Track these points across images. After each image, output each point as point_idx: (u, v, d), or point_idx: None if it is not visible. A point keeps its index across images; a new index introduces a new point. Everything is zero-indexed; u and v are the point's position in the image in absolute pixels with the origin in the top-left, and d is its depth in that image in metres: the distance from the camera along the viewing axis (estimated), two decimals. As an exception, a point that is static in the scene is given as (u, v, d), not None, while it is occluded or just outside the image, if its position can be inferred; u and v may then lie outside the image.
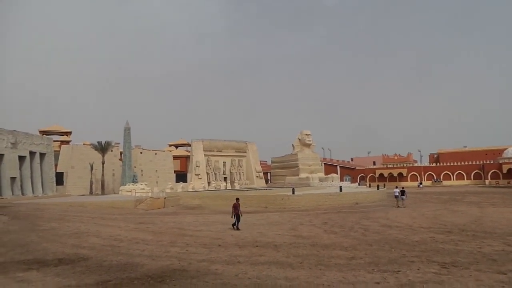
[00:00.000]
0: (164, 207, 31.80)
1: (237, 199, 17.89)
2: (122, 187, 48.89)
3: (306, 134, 60.81)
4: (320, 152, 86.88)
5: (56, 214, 25.57)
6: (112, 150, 58.17)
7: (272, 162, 69.51)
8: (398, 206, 26.96)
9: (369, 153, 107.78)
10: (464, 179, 75.93)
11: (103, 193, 52.11)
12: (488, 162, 74.97)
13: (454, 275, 8.14)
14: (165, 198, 33.59)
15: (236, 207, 16.94)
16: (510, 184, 65.14)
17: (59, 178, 53.85)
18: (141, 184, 47.88)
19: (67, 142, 68.80)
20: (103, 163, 53.37)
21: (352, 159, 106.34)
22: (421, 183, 67.08)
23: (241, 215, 17.28)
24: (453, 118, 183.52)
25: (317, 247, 11.99)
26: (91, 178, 54.77)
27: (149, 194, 38.26)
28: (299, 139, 61.53)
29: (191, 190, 47.08)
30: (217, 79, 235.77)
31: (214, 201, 32.90)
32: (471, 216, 19.90)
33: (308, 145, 60.93)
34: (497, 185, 67.03)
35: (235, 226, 16.73)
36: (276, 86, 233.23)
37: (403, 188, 29.47)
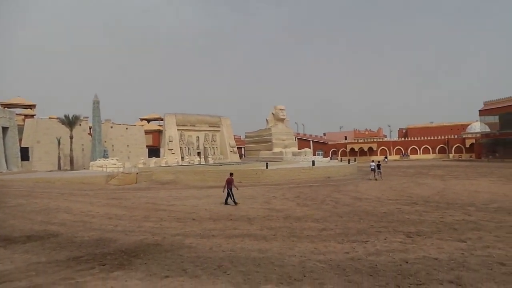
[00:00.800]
0: (136, 183, 31.38)
1: (231, 174, 17.38)
2: (92, 162, 47.63)
3: (280, 109, 60.96)
4: (293, 127, 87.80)
5: (22, 191, 24.71)
6: (80, 125, 56.17)
7: (246, 137, 69.62)
8: (376, 179, 28.24)
9: (341, 128, 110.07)
10: (430, 153, 79.32)
11: (72, 168, 50.64)
12: (452, 137, 78.46)
13: (418, 243, 8.61)
14: (137, 173, 33.09)
15: (229, 182, 16.57)
16: (472, 158, 68.72)
17: (24, 154, 51.68)
18: (112, 159, 46.83)
19: (31, 116, 65.77)
20: (71, 138, 51.56)
21: (324, 134, 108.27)
22: (386, 158, 69.07)
23: (237, 189, 17.16)
24: (424, 94, 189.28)
25: (289, 219, 12.29)
26: (59, 153, 52.93)
27: (121, 170, 37.56)
28: (273, 113, 61.64)
29: (164, 165, 46.58)
30: (190, 51, 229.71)
31: (188, 176, 32.78)
32: (435, 188, 20.92)
33: (282, 120, 61.24)
34: (460, 159, 70.61)
35: (230, 200, 16.39)
36: (250, 60, 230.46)
37: (379, 162, 30.97)
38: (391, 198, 17.18)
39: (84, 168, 51.88)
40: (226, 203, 16.42)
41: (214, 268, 7.13)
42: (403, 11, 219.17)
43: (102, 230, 11.39)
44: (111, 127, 62.19)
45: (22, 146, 52.43)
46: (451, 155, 75.90)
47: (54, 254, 8.60)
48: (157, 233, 10.68)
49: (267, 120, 62.58)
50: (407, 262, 7.15)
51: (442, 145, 79.05)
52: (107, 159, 47.87)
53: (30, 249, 9.10)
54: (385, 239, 9.15)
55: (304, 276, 6.52)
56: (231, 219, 12.64)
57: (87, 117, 58.76)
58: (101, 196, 21.48)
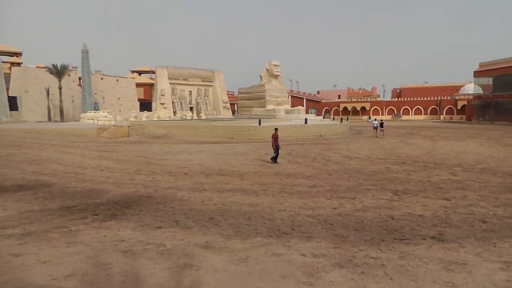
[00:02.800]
0: (128, 136, 31.23)
1: (276, 129, 16.11)
2: (83, 114, 47.00)
3: (275, 65, 59.64)
4: (287, 84, 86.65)
5: (12, 141, 24.51)
6: (69, 75, 54.67)
7: (239, 93, 68.68)
8: (376, 136, 29.82)
9: (335, 86, 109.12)
10: (422, 114, 79.76)
11: (62, 120, 49.99)
12: (444, 98, 78.59)
13: (404, 201, 8.87)
14: (129, 126, 32.81)
15: (276, 138, 15.43)
16: (463, 119, 69.41)
17: (13, 103, 50.60)
18: (104, 112, 46.20)
19: (18, 64, 63.54)
20: (60, 88, 50.33)
21: (318, 92, 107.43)
22: (369, 118, 68.58)
23: (280, 148, 15.78)
24: (420, 55, 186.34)
25: (280, 176, 12.48)
26: (48, 104, 51.93)
27: (112, 122, 37.20)
28: (267, 69, 60.38)
29: (156, 119, 46.21)
30: (184, 3, 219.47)
31: (180, 131, 32.66)
32: (424, 148, 21.25)
33: (276, 77, 60.16)
34: (451, 120, 71.30)
35: (274, 160, 15.44)
36: (246, 16, 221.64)
37: (382, 120, 32.84)
38: (381, 157, 17.45)
39: (75, 120, 51.29)
40: (275, 161, 15.36)
41: (205, 220, 7.30)
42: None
43: (94, 181, 11.47)
44: (101, 78, 60.68)
45: (9, 95, 51.18)
46: (442, 116, 76.52)
47: (46, 203, 8.69)
48: (149, 185, 10.80)
49: (261, 76, 61.44)
50: (392, 218, 7.39)
51: (434, 106, 79.36)
52: (98, 111, 47.23)
53: (23, 198, 9.17)
54: (372, 196, 9.40)
55: (293, 229, 6.73)
56: (222, 174, 12.79)
57: (76, 67, 57.06)
58: (92, 149, 21.43)
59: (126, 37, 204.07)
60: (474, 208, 8.11)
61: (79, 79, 56.42)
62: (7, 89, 51.63)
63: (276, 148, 15.34)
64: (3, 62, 55.58)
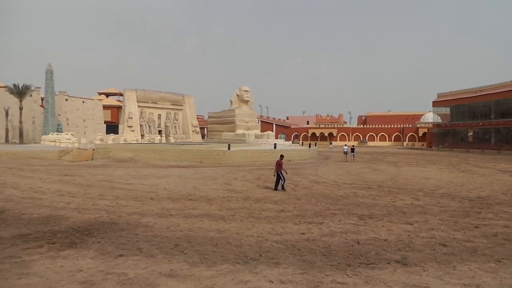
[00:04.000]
0: (92, 159, 30.15)
1: (282, 156, 15.64)
2: (44, 136, 45.03)
3: (245, 91, 60.57)
4: (257, 109, 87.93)
5: (-36, 164, 22.94)
6: (31, 95, 52.59)
7: (209, 117, 68.76)
8: (347, 161, 32.38)
9: (304, 112, 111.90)
10: (386, 141, 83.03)
11: (21, 142, 47.55)
12: (407, 126, 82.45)
13: (370, 225, 9.04)
14: (93, 149, 31.74)
15: (280, 164, 14.87)
16: (424, 146, 72.78)
17: (-33, 124, 47.75)
18: (67, 134, 44.56)
19: (-24, 83, 60.46)
20: (21, 109, 48.17)
21: (287, 118, 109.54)
22: (331, 143, 70.47)
23: (286, 173, 15.30)
24: (384, 84, 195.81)
25: (249, 200, 12.41)
26: (7, 125, 49.39)
27: (76, 145, 35.87)
28: (237, 95, 61.15)
29: (123, 142, 45.09)
30: (154, 27, 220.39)
31: (148, 154, 31.97)
32: (388, 174, 21.98)
33: (246, 102, 60.97)
34: (413, 147, 74.61)
35: (280, 186, 14.73)
36: (217, 40, 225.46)
37: (353, 146, 37.34)
38: (348, 182, 17.83)
39: (35, 142, 48.99)
40: (276, 188, 14.76)
41: (170, 248, 7.06)
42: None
43: (53, 207, 10.88)
44: (66, 99, 58.81)
45: (-36, 116, 48.33)
46: (405, 143, 79.96)
47: (-2, 231, 8.10)
48: (113, 211, 10.38)
49: (231, 101, 62.03)
50: (358, 243, 7.49)
51: (397, 133, 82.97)
52: (61, 133, 45.47)
53: (-29, 226, 8.51)
54: (339, 221, 9.51)
55: (260, 255, 6.64)
56: (190, 199, 12.54)
57: (39, 88, 55.08)
58: (53, 172, 20.45)
59: (94, 59, 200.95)
60: (435, 232, 8.39)
61: (42, 99, 54.37)
62: (-38, 108, 48.82)
63: (279, 175, 14.68)
64: (-41, 80, 52.75)
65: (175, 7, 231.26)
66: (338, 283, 5.38)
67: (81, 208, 10.82)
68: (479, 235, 8.15)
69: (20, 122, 48.36)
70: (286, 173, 15.39)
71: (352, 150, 33.98)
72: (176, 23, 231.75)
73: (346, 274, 5.74)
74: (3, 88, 50.95)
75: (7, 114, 49.17)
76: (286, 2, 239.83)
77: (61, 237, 7.73)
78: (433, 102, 70.14)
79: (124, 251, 6.81)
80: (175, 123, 60.62)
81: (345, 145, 39.37)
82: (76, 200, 12.01)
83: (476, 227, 8.93)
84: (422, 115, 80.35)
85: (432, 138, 70.85)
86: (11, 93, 48.36)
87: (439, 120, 71.45)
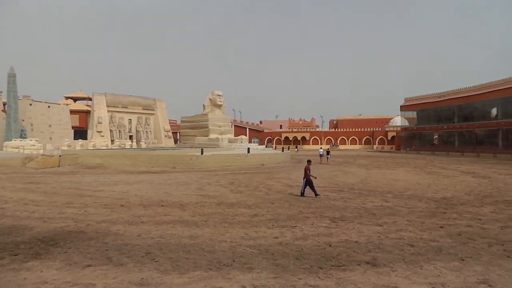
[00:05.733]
0: (59, 166, 29.01)
1: (309, 161, 15.14)
2: (6, 142, 42.90)
3: (218, 95, 60.39)
4: (230, 113, 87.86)
5: None
6: (-8, 100, 50.05)
7: (182, 121, 67.97)
8: (321, 163, 34.07)
9: (277, 117, 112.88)
10: (357, 144, 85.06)
11: (-19, 148, 45.11)
12: (376, 129, 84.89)
13: (341, 228, 9.21)
14: (60, 156, 30.55)
15: (308, 170, 14.26)
16: (393, 149, 75.14)
17: None
18: (31, 140, 42.66)
19: None
20: (-19, 114, 45.75)
21: (261, 122, 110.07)
22: (297, 147, 71.21)
23: (315, 178, 14.73)
24: (355, 88, 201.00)
25: (222, 206, 12.34)
26: (-34, 131, 46.74)
27: (41, 151, 34.42)
28: (210, 99, 60.86)
29: (92, 148, 43.72)
30: (126, 28, 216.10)
31: (118, 160, 31.14)
32: (359, 176, 22.51)
33: (219, 106, 60.80)
34: (383, 150, 76.85)
35: (304, 191, 14.17)
36: (190, 43, 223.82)
37: (328, 149, 41.53)
38: (320, 185, 18.06)
39: (-3, 149, 46.61)
40: (303, 194, 14.19)
41: (141, 256, 6.90)
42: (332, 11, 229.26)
43: (16, 217, 10.37)
44: (30, 104, 56.31)
45: None
46: (375, 146, 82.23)
47: (-46, 244, 7.62)
48: (81, 220, 10.02)
49: (204, 106, 61.64)
50: (330, 246, 7.60)
51: (367, 137, 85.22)
52: (25, 139, 43.50)
53: None
54: (312, 224, 9.63)
55: (234, 261, 6.61)
56: (162, 205, 12.32)
57: (1, 92, 52.51)
58: (16, 180, 19.51)
59: (60, 62, 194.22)
60: (404, 233, 8.66)
61: (4, 104, 51.84)
62: None
63: (307, 181, 14.13)
64: None
65: (150, 7, 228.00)
66: (311, 286, 5.44)
67: (46, 217, 10.38)
68: (444, 235, 8.49)
69: (-20, 127, 45.88)
70: (315, 177, 14.94)
71: (328, 153, 36.68)
72: (148, 24, 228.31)
73: (318, 277, 5.81)
74: (-39, 92, 48.20)
75: (-35, 119, 46.53)
76: (260, 4, 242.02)
77: (25, 248, 7.37)
78: (400, 106, 72.69)
79: (93, 261, 6.58)
80: (146, 128, 59.54)
81: (321, 148, 42.83)
82: (41, 209, 11.51)
83: (442, 227, 9.29)
84: (391, 119, 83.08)
85: (400, 141, 73.35)
86: (-30, 97, 45.85)
87: (406, 123, 74.12)
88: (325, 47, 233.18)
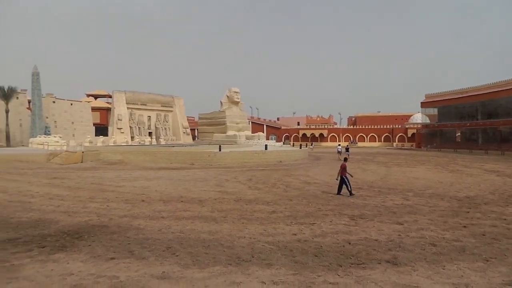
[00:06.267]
0: (81, 162, 29.79)
1: (346, 159, 15.19)
2: (32, 139, 44.36)
3: (235, 92, 60.54)
4: (248, 110, 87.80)
5: (-51, 167, 22.46)
6: (18, 98, 51.78)
7: (200, 118, 68.56)
8: (340, 159, 32.90)
9: (294, 113, 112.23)
10: (376, 141, 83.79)
11: (8, 145, 46.75)
12: (396, 126, 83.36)
13: (361, 226, 9.13)
14: (83, 152, 31.37)
15: (344, 168, 13.97)
16: (413, 147, 73.65)
17: (-48, 127, 46.79)
18: (55, 137, 43.94)
19: (-40, 85, 59.27)
20: (7, 112, 47.37)
21: (278, 119, 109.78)
22: (312, 144, 71.20)
23: (352, 176, 14.36)
24: (374, 85, 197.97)
25: (240, 202, 12.42)
26: (-7, 127, 48.56)
27: (65, 148, 35.41)
28: (227, 96, 61.09)
29: (113, 144, 44.64)
30: (143, 27, 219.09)
31: (138, 156, 31.72)
32: (378, 174, 22.20)
33: (236, 103, 60.96)
34: (403, 147, 75.42)
35: (348, 191, 13.74)
36: (207, 41, 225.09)
37: (347, 145, 41.94)
38: (338, 182, 17.91)
39: (23, 145, 48.23)
40: (339, 193, 14.02)
41: (162, 250, 7.04)
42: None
43: (42, 211, 10.74)
44: (54, 102, 58.04)
45: (-51, 118, 47.33)
46: (394, 144, 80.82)
47: (-14, 236, 7.97)
48: (103, 214, 10.29)
49: (221, 103, 61.95)
50: (349, 243, 7.56)
51: (387, 134, 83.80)
52: (49, 136, 44.83)
53: (-42, 231, 8.35)
54: (330, 221, 9.59)
55: (253, 257, 6.66)
56: (182, 201, 12.50)
57: (26, 90, 54.26)
58: (41, 176, 20.17)
59: (82, 60, 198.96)
60: (425, 232, 8.51)
61: (29, 102, 53.54)
62: None
63: (342, 179, 13.86)
64: None
65: (165, 6, 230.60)
66: (330, 283, 5.43)
67: (71, 211, 10.70)
68: (468, 235, 8.30)
69: (7, 125, 47.57)
70: (352, 176, 14.58)
71: (347, 149, 36.80)
72: (166, 23, 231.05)
73: (338, 275, 5.79)
74: (-11, 91, 50.04)
75: (-8, 117, 48.34)
76: (277, 2, 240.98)
77: (51, 240, 7.64)
78: (421, 103, 71.03)
79: (116, 254, 6.76)
80: (165, 125, 60.30)
81: (339, 145, 43.26)
82: (66, 203, 11.88)
83: (465, 226, 9.09)
84: (411, 115, 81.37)
85: (421, 138, 71.76)
86: (-3, 95, 47.57)
87: (427, 120, 72.42)
88: (342, 42, 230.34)
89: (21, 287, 5.24)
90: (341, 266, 6.18)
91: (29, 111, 52.63)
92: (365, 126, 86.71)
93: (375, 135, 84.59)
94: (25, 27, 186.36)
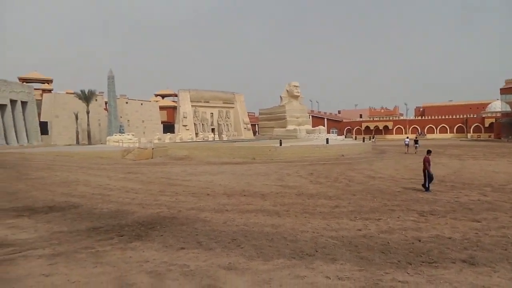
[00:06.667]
0: (152, 158, 31.92)
1: (429, 151, 13.94)
2: (109, 137, 48.51)
3: (295, 86, 60.07)
4: (308, 104, 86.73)
5: (43, 164, 25.47)
6: (96, 100, 56.93)
7: (260, 113, 69.29)
8: (407, 152, 33.72)
9: (356, 106, 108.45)
10: (447, 133, 77.73)
11: (89, 143, 51.72)
12: (471, 116, 76.43)
13: (431, 222, 8.60)
14: (153, 148, 33.59)
15: (428, 162, 13.02)
16: (491, 138, 67.07)
17: (44, 128, 52.98)
18: (128, 135, 47.57)
19: (49, 91, 66.76)
20: (88, 113, 52.39)
21: (339, 112, 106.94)
22: (373, 137, 65.90)
23: (431, 173, 12.99)
24: (443, 72, 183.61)
25: (302, 196, 12.39)
26: (77, 127, 54.02)
27: (137, 145, 38.17)
28: (287, 90, 60.85)
29: (179, 141, 47.10)
30: (205, 28, 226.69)
31: (202, 152, 33.11)
32: (451, 168, 20.62)
33: (296, 97, 60.48)
34: (479, 138, 68.99)
35: (426, 186, 12.86)
36: (265, 36, 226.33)
37: (416, 138, 43.15)
38: (406, 177, 17.05)
39: (101, 143, 52.95)
40: (427, 189, 12.84)
41: (228, 242, 7.31)
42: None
43: (120, 202, 11.73)
44: (126, 102, 62.83)
45: (41, 120, 53.60)
46: (469, 135, 74.22)
47: (75, 224, 8.95)
48: (173, 206, 10.95)
49: (281, 97, 61.92)
50: (420, 241, 7.17)
51: (460, 124, 77.27)
52: (123, 134, 48.67)
53: (52, 219, 9.48)
54: (398, 217, 9.17)
55: (316, 251, 6.64)
56: (244, 195, 12.82)
57: (103, 92, 59.39)
58: (118, 170, 21.99)
59: (149, 62, 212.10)
60: (507, 231, 7.76)
61: (105, 103, 58.54)
62: (39, 114, 54.18)
63: (427, 174, 12.90)
64: (35, 89, 58.55)
65: (227, 4, 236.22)
66: (399, 281, 5.22)
67: (144, 203, 11.55)
68: (560, 234, 7.40)
69: (88, 125, 52.61)
70: (431, 172, 13.17)
71: (416, 142, 35.61)
72: (222, 21, 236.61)
73: (407, 273, 5.54)
74: (72, 94, 55.71)
75: (76, 118, 53.74)
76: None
77: (128, 230, 8.33)
78: (500, 89, 64.26)
79: (185, 244, 7.18)
80: (227, 121, 62.03)
81: (407, 137, 41.34)
82: (140, 196, 12.84)
83: (556, 225, 8.11)
84: (488, 104, 73.95)
85: (500, 128, 64.89)
86: (79, 98, 52.76)
87: (508, 108, 65.22)
88: (406, 30, 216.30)
89: (105, 271, 5.80)
90: (411, 264, 5.90)
91: (106, 111, 57.57)
92: (434, 117, 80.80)
93: (446, 126, 78.45)
94: (98, 31, 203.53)
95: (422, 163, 13.23)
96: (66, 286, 5.25)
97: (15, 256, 6.56)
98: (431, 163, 13.17)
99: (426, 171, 12.95)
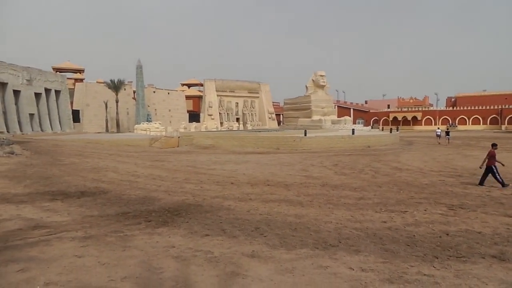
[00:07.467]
0: (178, 146, 32.56)
1: (494, 144, 12.57)
2: (136, 125, 49.78)
3: (320, 75, 59.14)
4: (334, 94, 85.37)
5: (75, 150, 26.50)
6: (125, 89, 58.33)
7: (285, 103, 68.86)
8: (439, 143, 33.78)
9: (384, 96, 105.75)
10: (480, 124, 74.53)
11: (118, 131, 53.27)
12: (507, 107, 72.81)
13: (461, 216, 8.35)
14: (179, 137, 34.24)
15: (493, 156, 12.15)
16: (528, 130, 63.74)
17: (76, 116, 54.99)
18: (155, 123, 48.61)
19: (81, 80, 68.96)
20: (117, 102, 53.84)
21: (366, 102, 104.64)
22: (397, 128, 63.25)
23: (503, 165, 12.32)
24: (476, 61, 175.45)
25: (327, 187, 12.31)
26: (106, 116, 55.68)
27: (163, 133, 38.98)
28: (313, 80, 60.04)
29: (204, 130, 47.70)
30: (230, 18, 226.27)
31: (227, 141, 33.41)
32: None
33: (322, 87, 59.58)
34: (514, 130, 65.71)
35: (499, 182, 11.81)
36: (290, 26, 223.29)
37: (447, 129, 42.93)
38: (434, 169, 16.58)
39: (129, 131, 54.43)
40: (482, 183, 12.18)
41: (251, 230, 7.40)
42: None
43: (147, 189, 12.07)
44: (154, 91, 64.03)
45: (73, 108, 55.63)
46: (503, 126, 70.84)
47: (105, 208, 9.30)
48: (198, 194, 11.16)
49: (306, 87, 61.19)
50: (447, 234, 6.99)
51: (494, 115, 73.82)
52: (151, 123, 49.76)
53: (84, 204, 9.89)
54: (425, 210, 8.96)
55: (340, 242, 6.61)
56: (268, 185, 12.87)
57: (131, 82, 60.78)
58: (145, 158, 22.57)
59: (175, 52, 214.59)
60: (542, 227, 7.43)
61: (134, 92, 59.89)
62: (71, 103, 56.20)
63: (488, 168, 12.11)
64: (68, 78, 60.63)
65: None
66: (425, 275, 5.13)
67: (170, 190, 11.84)
68: None
69: (117, 113, 54.12)
70: (503, 165, 12.35)
71: (447, 133, 35.23)
72: (246, 11, 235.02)
73: (433, 266, 5.43)
74: (102, 84, 57.34)
75: (106, 107, 55.36)
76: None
77: (155, 216, 8.58)
78: (541, 78, 60.67)
79: (210, 231, 7.32)
80: (251, 111, 62.12)
81: (438, 128, 41.49)
82: (166, 184, 13.16)
83: None
84: (526, 94, 70.08)
85: (539, 120, 61.57)
86: (109, 87, 54.26)
87: (549, 99, 61.67)
88: (438, 16, 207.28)
89: (134, 254, 6.03)
90: (438, 258, 5.78)
91: (134, 100, 58.93)
92: (467, 107, 77.55)
93: (479, 117, 75.19)
94: (129, 25, 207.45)
95: (487, 158, 12.18)
96: (97, 267, 5.49)
97: (50, 237, 6.91)
98: (496, 157, 12.15)
99: (492, 166, 11.97)
